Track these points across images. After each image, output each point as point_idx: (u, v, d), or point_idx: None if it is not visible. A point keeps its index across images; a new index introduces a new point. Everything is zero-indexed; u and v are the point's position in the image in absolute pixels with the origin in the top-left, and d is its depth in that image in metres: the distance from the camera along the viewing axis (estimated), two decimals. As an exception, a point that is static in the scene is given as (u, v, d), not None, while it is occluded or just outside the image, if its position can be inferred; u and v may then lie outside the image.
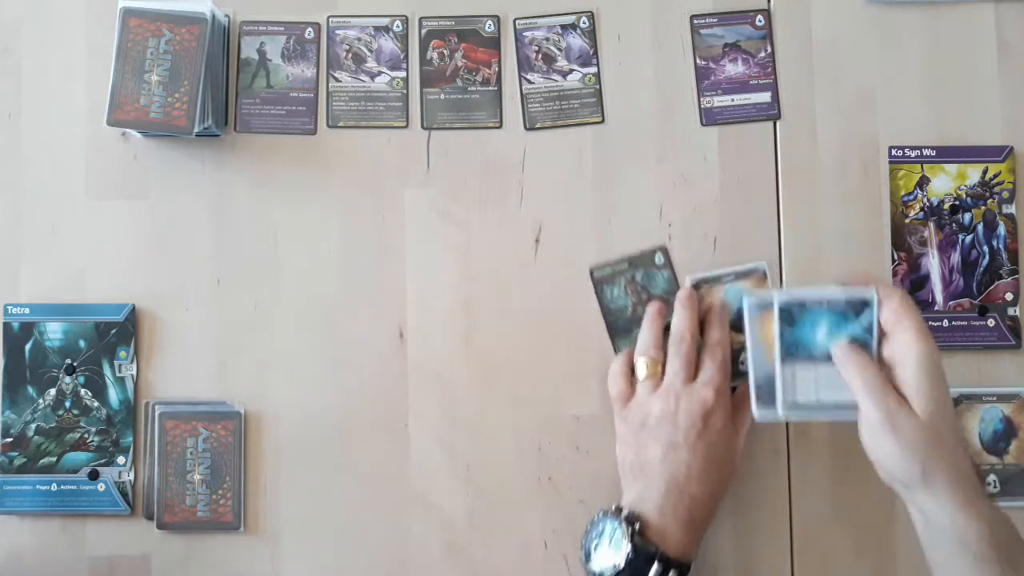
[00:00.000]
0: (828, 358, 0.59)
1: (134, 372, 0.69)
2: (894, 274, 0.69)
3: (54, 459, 0.69)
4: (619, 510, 0.60)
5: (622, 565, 0.58)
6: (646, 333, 0.66)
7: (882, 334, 0.58)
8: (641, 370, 0.65)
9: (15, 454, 0.69)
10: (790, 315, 0.59)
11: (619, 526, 0.59)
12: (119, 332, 0.69)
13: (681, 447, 0.61)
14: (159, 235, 0.70)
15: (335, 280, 0.70)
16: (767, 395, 0.60)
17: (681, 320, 0.65)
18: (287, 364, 0.69)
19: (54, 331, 0.69)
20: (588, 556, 0.60)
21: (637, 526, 0.59)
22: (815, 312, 0.59)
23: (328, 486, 0.69)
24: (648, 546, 0.58)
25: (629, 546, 0.58)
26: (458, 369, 0.69)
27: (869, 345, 0.58)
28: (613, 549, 0.59)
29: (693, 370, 0.63)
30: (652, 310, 0.67)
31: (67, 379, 0.69)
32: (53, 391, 0.69)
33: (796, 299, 0.60)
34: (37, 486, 0.68)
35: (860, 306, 0.59)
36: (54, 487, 0.68)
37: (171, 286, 0.70)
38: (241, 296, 0.70)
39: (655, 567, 0.57)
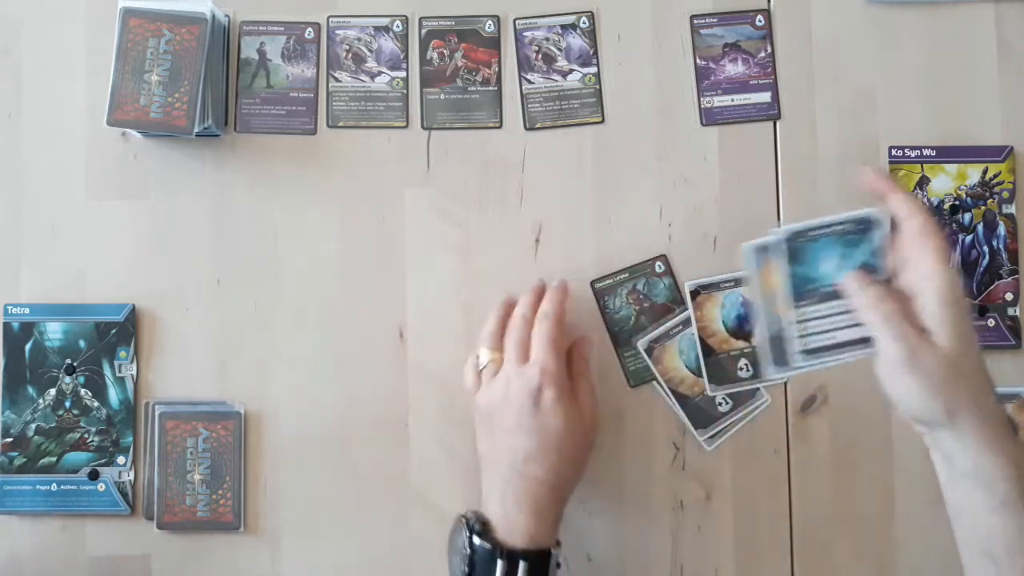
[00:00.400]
0: (838, 293, 0.55)
1: (134, 372, 0.69)
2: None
3: (54, 459, 0.69)
4: (464, 515, 0.60)
5: (468, 570, 0.57)
6: (487, 324, 0.65)
7: (898, 257, 0.54)
8: (480, 360, 0.64)
9: (15, 454, 0.69)
10: (794, 252, 0.56)
11: (463, 531, 0.58)
12: (119, 332, 0.69)
13: (513, 431, 0.60)
14: (159, 235, 0.70)
15: (335, 280, 0.70)
16: (779, 351, 0.57)
17: (520, 305, 0.65)
18: (287, 364, 0.69)
19: (54, 331, 0.69)
20: (451, 570, 0.60)
21: (478, 527, 0.58)
22: (820, 244, 0.56)
23: (328, 486, 0.69)
24: (486, 545, 0.57)
25: (468, 549, 0.57)
26: (458, 369, 0.69)
27: (880, 270, 0.54)
28: (461, 557, 0.58)
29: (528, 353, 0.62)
30: (501, 301, 0.66)
31: (67, 379, 0.69)
32: (53, 391, 0.69)
33: (798, 231, 0.56)
34: (37, 486, 0.68)
35: (867, 226, 0.55)
36: (54, 487, 0.68)
37: (171, 286, 0.70)
38: (241, 296, 0.70)
39: (499, 564, 0.56)
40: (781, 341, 0.57)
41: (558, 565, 0.59)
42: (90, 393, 0.69)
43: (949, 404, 0.51)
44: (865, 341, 0.55)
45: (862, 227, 0.56)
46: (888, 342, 0.52)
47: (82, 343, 0.69)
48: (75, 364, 0.69)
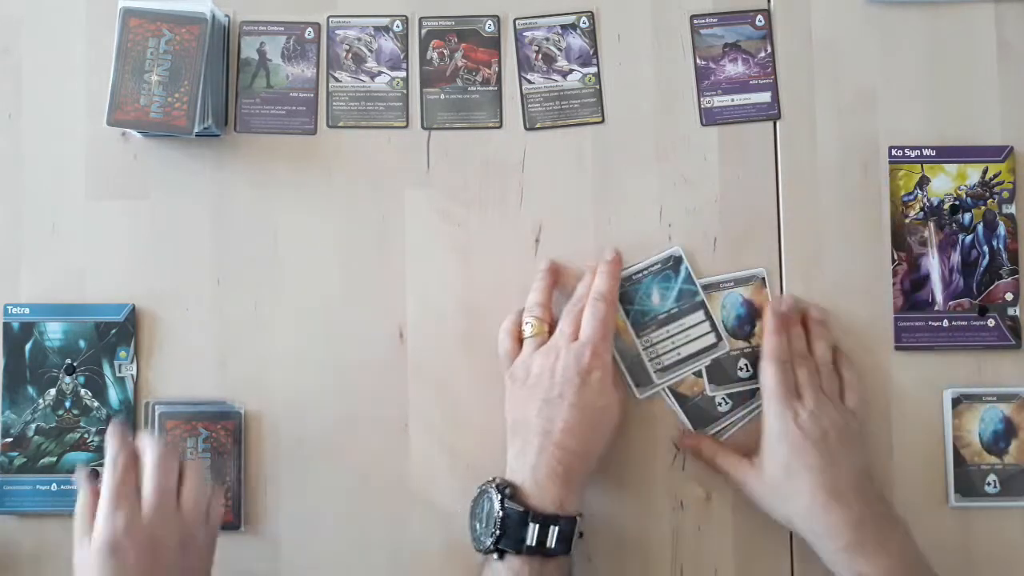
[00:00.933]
0: (671, 318, 0.67)
1: (134, 372, 0.69)
2: (894, 274, 0.69)
3: (54, 459, 0.69)
4: (492, 480, 0.61)
5: (499, 532, 0.58)
6: (534, 293, 0.67)
7: None
8: (527, 329, 0.66)
9: (15, 454, 0.69)
10: (624, 296, 0.68)
11: (493, 495, 0.60)
12: (119, 332, 0.69)
13: (555, 403, 0.61)
14: (159, 235, 0.70)
15: (335, 280, 0.70)
16: (639, 374, 0.68)
17: (582, 284, 0.67)
18: (287, 364, 0.69)
19: (54, 331, 0.69)
20: (474, 535, 0.61)
21: (508, 491, 0.59)
22: (644, 285, 0.68)
23: (328, 486, 0.69)
24: (518, 507, 0.59)
25: (501, 512, 0.58)
26: (458, 369, 0.69)
27: (697, 293, 0.67)
28: (489, 521, 0.59)
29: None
30: (543, 268, 0.68)
31: (67, 379, 0.69)
32: (53, 391, 0.69)
33: (623, 279, 0.68)
34: (37, 486, 0.68)
35: (675, 262, 0.68)
36: (54, 487, 0.68)
37: (171, 286, 0.70)
38: (241, 296, 0.70)
39: (530, 527, 0.58)
40: (639, 366, 0.68)
41: (580, 534, 0.60)
42: (90, 393, 0.69)
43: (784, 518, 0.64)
44: (710, 347, 0.67)
45: (671, 263, 0.68)
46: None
47: (82, 343, 0.69)
48: (75, 364, 0.69)
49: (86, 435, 0.69)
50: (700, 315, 0.67)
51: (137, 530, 0.56)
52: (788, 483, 0.62)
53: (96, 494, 0.58)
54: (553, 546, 0.58)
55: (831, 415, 0.63)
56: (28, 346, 0.69)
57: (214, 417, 0.69)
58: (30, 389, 0.69)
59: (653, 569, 0.68)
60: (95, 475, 0.59)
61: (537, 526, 0.58)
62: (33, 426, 0.69)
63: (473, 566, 0.63)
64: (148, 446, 0.59)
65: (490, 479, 0.61)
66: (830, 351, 0.67)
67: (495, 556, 0.59)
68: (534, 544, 0.58)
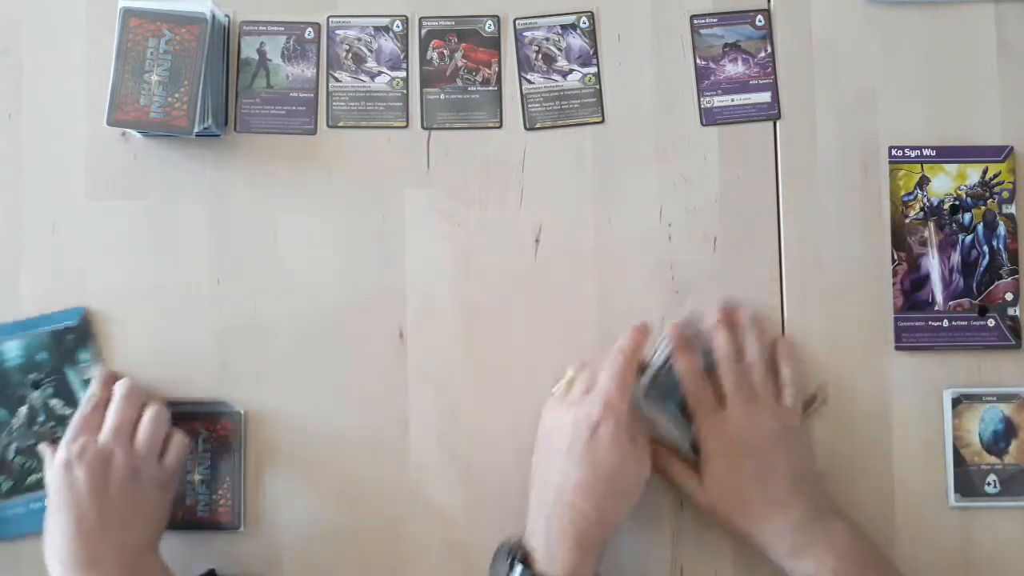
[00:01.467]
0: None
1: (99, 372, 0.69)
2: (894, 274, 0.69)
3: (40, 475, 0.68)
4: (508, 543, 0.61)
5: None
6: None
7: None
8: (558, 388, 0.65)
9: (1, 478, 0.68)
10: (662, 390, 0.67)
11: (505, 561, 0.59)
12: (76, 336, 0.69)
13: (566, 457, 0.60)
14: (159, 235, 0.70)
15: (335, 280, 0.70)
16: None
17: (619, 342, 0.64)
18: (287, 364, 0.69)
19: (11, 350, 0.69)
20: None
21: (519, 556, 0.59)
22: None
23: (328, 486, 0.69)
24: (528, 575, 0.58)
25: None
26: (458, 369, 0.69)
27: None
28: None
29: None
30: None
31: (35, 394, 0.69)
32: (24, 409, 0.69)
33: (654, 373, 0.66)
34: (30, 505, 0.68)
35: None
36: (46, 503, 0.68)
37: (171, 286, 0.70)
38: (241, 296, 0.70)
39: None
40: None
41: None
42: (61, 402, 0.69)
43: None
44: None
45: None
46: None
47: (42, 355, 0.69)
48: (40, 378, 0.69)
49: None
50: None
51: (90, 453, 0.61)
52: (726, 496, 0.62)
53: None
54: None
55: (762, 419, 0.62)
56: None
57: (214, 417, 0.68)
58: (1, 412, 0.69)
59: (653, 569, 0.68)
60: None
61: None
62: (12, 447, 0.69)
63: (473, 566, 0.63)
64: (118, 386, 0.65)
65: (508, 540, 0.61)
66: (762, 350, 0.65)
67: None
68: None
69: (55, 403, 0.69)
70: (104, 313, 0.70)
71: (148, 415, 0.64)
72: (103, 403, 0.64)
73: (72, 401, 0.69)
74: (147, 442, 0.63)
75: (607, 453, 0.59)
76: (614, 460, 0.60)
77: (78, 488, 0.60)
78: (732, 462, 0.62)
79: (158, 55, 0.66)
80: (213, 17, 0.67)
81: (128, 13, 0.67)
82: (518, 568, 0.58)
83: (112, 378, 0.66)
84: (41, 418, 0.69)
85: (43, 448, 0.65)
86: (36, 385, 0.69)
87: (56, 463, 0.61)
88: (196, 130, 0.66)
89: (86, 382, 0.68)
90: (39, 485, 0.68)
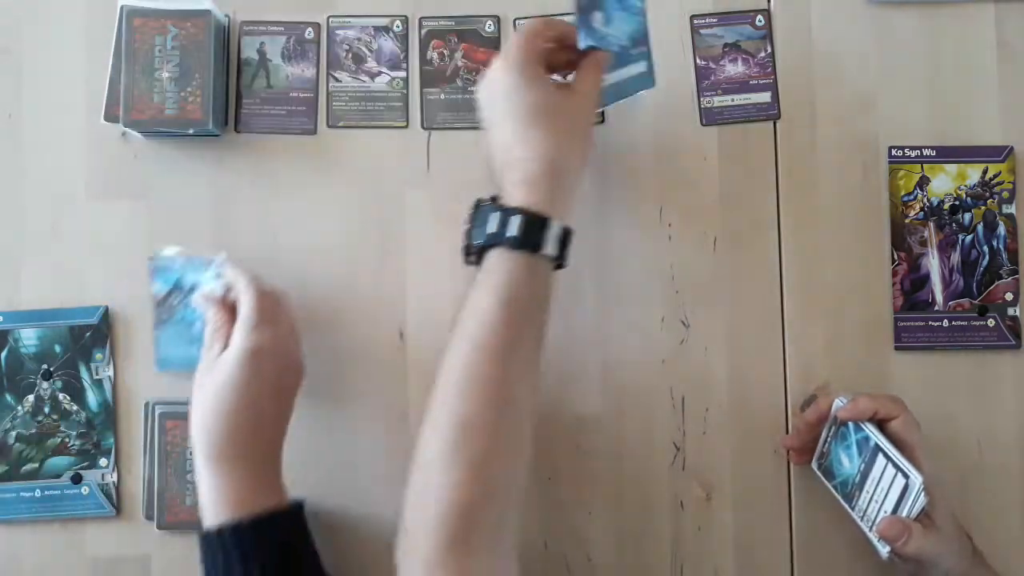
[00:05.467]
0: (863, 476, 0.62)
1: (111, 374, 0.69)
2: (894, 274, 0.69)
3: (36, 465, 0.68)
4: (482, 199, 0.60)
5: (468, 226, 0.58)
6: None
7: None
8: None
9: (-4, 462, 0.69)
10: (828, 472, 0.65)
11: (489, 207, 0.58)
12: (94, 335, 0.69)
13: (494, 127, 0.60)
14: (159, 235, 0.70)
15: (335, 280, 0.70)
16: (872, 546, 0.61)
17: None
18: (287, 364, 0.69)
19: (29, 338, 0.69)
20: (467, 237, 0.60)
21: (484, 198, 0.59)
22: (832, 454, 0.65)
23: (328, 486, 0.69)
24: (486, 202, 0.58)
25: (473, 209, 0.59)
26: (458, 369, 0.69)
27: (868, 436, 0.62)
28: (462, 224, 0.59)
29: None
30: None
31: (44, 384, 0.69)
32: (31, 397, 0.69)
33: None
34: (21, 493, 0.68)
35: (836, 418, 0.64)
36: (38, 493, 0.68)
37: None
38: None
39: (493, 215, 0.56)
40: (865, 538, 0.62)
41: (565, 243, 0.57)
42: (68, 397, 0.69)
43: None
44: (905, 490, 0.59)
45: (835, 420, 0.64)
46: None
47: (58, 348, 0.69)
48: (52, 369, 0.69)
49: (67, 439, 0.69)
50: (882, 460, 0.60)
51: (280, 346, 0.61)
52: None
53: (227, 312, 0.63)
54: (519, 235, 0.55)
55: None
56: (3, 354, 0.69)
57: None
58: (8, 397, 0.69)
59: (653, 569, 0.68)
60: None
61: (499, 214, 0.56)
62: (13, 433, 0.69)
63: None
64: (275, 287, 0.64)
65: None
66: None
67: (474, 260, 0.58)
68: (495, 231, 0.55)
69: (63, 397, 0.69)
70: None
71: (290, 308, 0.65)
72: (267, 294, 0.63)
73: (79, 399, 0.69)
74: (299, 341, 0.64)
75: (518, 99, 0.58)
76: (531, 99, 0.58)
77: (266, 380, 0.60)
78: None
79: (166, 52, 0.66)
80: (213, 17, 0.67)
81: (131, 13, 0.67)
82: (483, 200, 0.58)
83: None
84: (47, 409, 0.69)
85: (212, 329, 0.63)
86: (47, 376, 0.69)
87: (245, 349, 0.60)
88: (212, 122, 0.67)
89: (97, 382, 0.68)
90: (33, 476, 0.68)
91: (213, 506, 0.59)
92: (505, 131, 0.59)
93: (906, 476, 0.58)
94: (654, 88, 0.66)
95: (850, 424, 0.62)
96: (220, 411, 0.59)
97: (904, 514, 0.59)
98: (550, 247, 0.56)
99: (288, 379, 0.63)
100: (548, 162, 0.57)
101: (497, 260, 0.56)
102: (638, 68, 0.66)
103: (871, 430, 0.61)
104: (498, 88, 0.59)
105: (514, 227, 0.55)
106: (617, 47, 0.63)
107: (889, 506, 0.59)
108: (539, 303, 0.57)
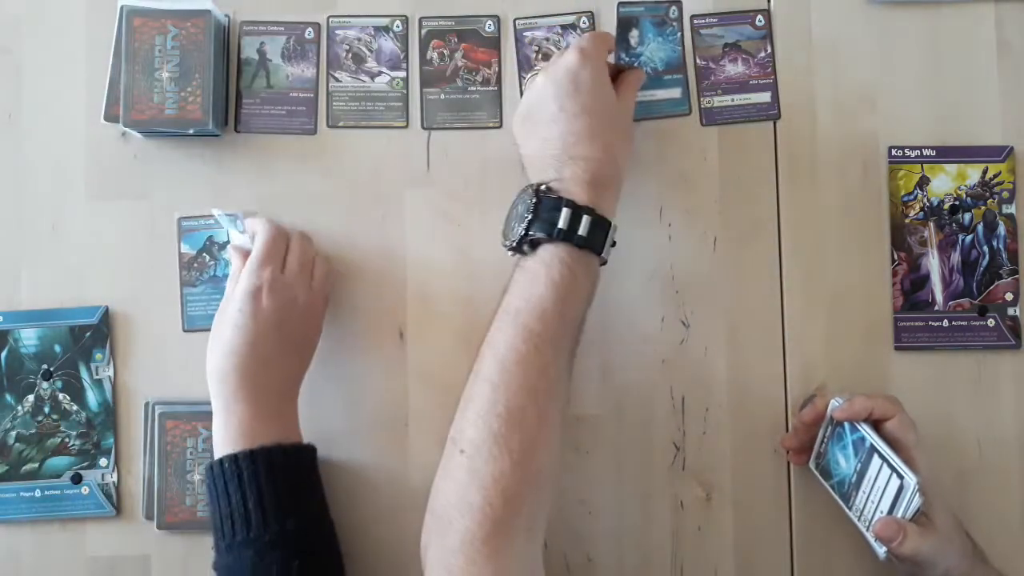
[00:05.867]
0: (860, 476, 0.62)
1: (111, 374, 0.69)
2: (894, 274, 0.69)
3: (36, 465, 0.69)
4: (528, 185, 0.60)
5: (531, 217, 0.57)
6: None
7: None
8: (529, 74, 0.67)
9: (-4, 462, 0.69)
10: (825, 472, 0.65)
11: (527, 195, 0.58)
12: (94, 334, 0.69)
13: (558, 117, 0.59)
14: (159, 235, 0.70)
15: (335, 280, 0.70)
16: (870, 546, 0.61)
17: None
18: (287, 364, 0.69)
19: (29, 338, 0.69)
20: (505, 234, 0.60)
21: (542, 187, 0.58)
22: (829, 454, 0.65)
23: (328, 486, 0.69)
24: (552, 195, 0.57)
25: (535, 198, 0.57)
26: (458, 369, 0.69)
27: (864, 437, 0.62)
28: (523, 212, 0.58)
29: None
30: None
31: (44, 384, 0.69)
32: (31, 397, 0.69)
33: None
34: (21, 493, 0.68)
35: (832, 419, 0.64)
36: (38, 493, 0.68)
37: (171, 286, 0.70)
38: (241, 296, 0.70)
39: (563, 212, 0.56)
40: (864, 539, 0.62)
41: (614, 243, 0.59)
42: (68, 397, 0.69)
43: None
44: (900, 491, 0.59)
45: (831, 420, 0.64)
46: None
47: (57, 348, 0.69)
48: (52, 369, 0.69)
49: (67, 439, 0.69)
50: (877, 461, 0.60)
51: (278, 284, 0.63)
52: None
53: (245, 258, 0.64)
54: (585, 235, 0.56)
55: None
56: (3, 354, 0.69)
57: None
58: (8, 397, 0.69)
59: (653, 569, 0.68)
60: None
61: (570, 212, 0.56)
62: (13, 433, 0.69)
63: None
64: (290, 230, 0.66)
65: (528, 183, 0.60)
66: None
67: (527, 249, 0.58)
68: (566, 228, 0.56)
69: (63, 397, 0.69)
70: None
71: (320, 261, 0.67)
72: (281, 237, 0.65)
73: (79, 399, 0.69)
74: (322, 285, 0.66)
75: (596, 97, 0.60)
76: (606, 100, 0.60)
77: (264, 317, 0.62)
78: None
79: (166, 52, 0.66)
80: (213, 17, 0.67)
81: (131, 12, 0.67)
82: (539, 191, 0.58)
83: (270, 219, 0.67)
84: (47, 409, 0.69)
85: (234, 272, 0.64)
86: (47, 376, 0.69)
87: (242, 289, 0.62)
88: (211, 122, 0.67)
89: (97, 382, 0.69)
90: (34, 475, 0.69)
91: (221, 442, 0.61)
92: (578, 124, 0.59)
93: (901, 477, 0.58)
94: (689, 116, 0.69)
95: (846, 424, 0.62)
96: (224, 351, 0.61)
97: (900, 514, 0.58)
98: (607, 249, 0.58)
99: (291, 315, 0.63)
100: (616, 167, 0.60)
101: (559, 254, 0.57)
102: (671, 93, 0.69)
103: (867, 430, 0.61)
104: (580, 80, 0.59)
105: (584, 227, 0.57)
106: (649, 69, 0.68)
107: (885, 506, 0.59)
108: (588, 300, 0.59)
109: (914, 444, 0.60)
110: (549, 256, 0.57)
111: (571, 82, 0.59)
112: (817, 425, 0.65)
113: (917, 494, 0.57)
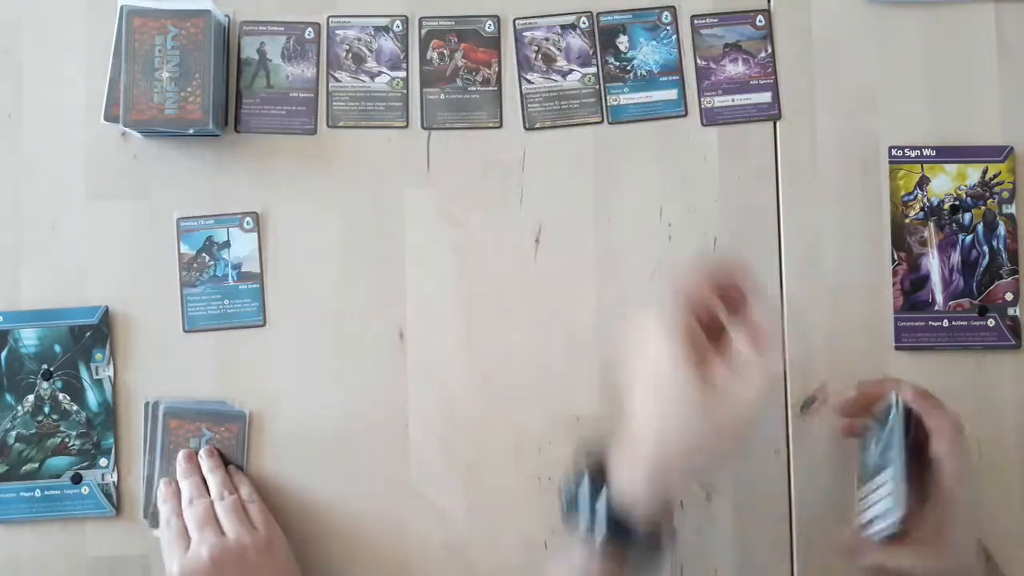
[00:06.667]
0: (876, 470, 0.59)
1: (111, 374, 0.69)
2: (894, 274, 0.69)
3: (36, 465, 0.68)
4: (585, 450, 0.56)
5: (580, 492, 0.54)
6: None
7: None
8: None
9: (-4, 462, 0.69)
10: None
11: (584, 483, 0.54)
12: (94, 334, 0.69)
13: (691, 417, 0.50)
14: (159, 235, 0.70)
15: (335, 280, 0.70)
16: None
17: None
18: (287, 364, 0.69)
19: (28, 337, 0.69)
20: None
21: (598, 479, 0.54)
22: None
23: (328, 486, 0.69)
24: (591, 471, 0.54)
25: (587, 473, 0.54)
26: (458, 369, 0.69)
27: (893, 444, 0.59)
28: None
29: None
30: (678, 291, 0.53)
31: (44, 384, 0.69)
32: (31, 397, 0.69)
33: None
34: (21, 493, 0.68)
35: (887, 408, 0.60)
36: (38, 493, 0.68)
37: (171, 286, 0.70)
38: (241, 296, 0.70)
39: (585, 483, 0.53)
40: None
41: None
42: (68, 397, 0.69)
43: None
44: (882, 515, 0.57)
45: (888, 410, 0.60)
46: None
47: (57, 348, 0.69)
48: (52, 369, 0.69)
49: (67, 439, 0.69)
50: (890, 471, 0.57)
51: (229, 553, 0.62)
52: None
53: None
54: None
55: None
56: (3, 354, 0.69)
57: (218, 418, 0.68)
58: (8, 396, 0.69)
59: (653, 569, 0.68)
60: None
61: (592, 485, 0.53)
62: (13, 433, 0.69)
63: (473, 565, 0.63)
64: (214, 475, 0.66)
65: (589, 455, 0.56)
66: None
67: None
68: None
69: (63, 397, 0.69)
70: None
71: (258, 506, 0.66)
72: (202, 485, 0.66)
73: (79, 399, 0.69)
74: (264, 528, 0.65)
75: (734, 416, 0.49)
76: (741, 423, 0.49)
77: None
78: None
79: (166, 52, 0.66)
80: (213, 17, 0.67)
81: (131, 12, 0.67)
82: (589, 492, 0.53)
83: (188, 457, 0.68)
84: (47, 409, 0.69)
85: (163, 495, 0.66)
86: (47, 376, 0.69)
87: (198, 557, 0.61)
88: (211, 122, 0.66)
89: (97, 382, 0.68)
90: (33, 476, 0.68)
91: None
92: (699, 438, 0.50)
93: (893, 504, 0.56)
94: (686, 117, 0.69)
95: (892, 420, 0.58)
96: None
97: (874, 530, 0.57)
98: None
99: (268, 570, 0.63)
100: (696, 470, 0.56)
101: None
102: (668, 94, 0.69)
103: (900, 439, 0.58)
104: (675, 395, 0.49)
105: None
106: (644, 71, 0.68)
107: (872, 513, 0.58)
108: None
109: (952, 476, 0.56)
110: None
111: (664, 390, 0.50)
112: (870, 405, 0.61)
113: (894, 526, 0.56)
